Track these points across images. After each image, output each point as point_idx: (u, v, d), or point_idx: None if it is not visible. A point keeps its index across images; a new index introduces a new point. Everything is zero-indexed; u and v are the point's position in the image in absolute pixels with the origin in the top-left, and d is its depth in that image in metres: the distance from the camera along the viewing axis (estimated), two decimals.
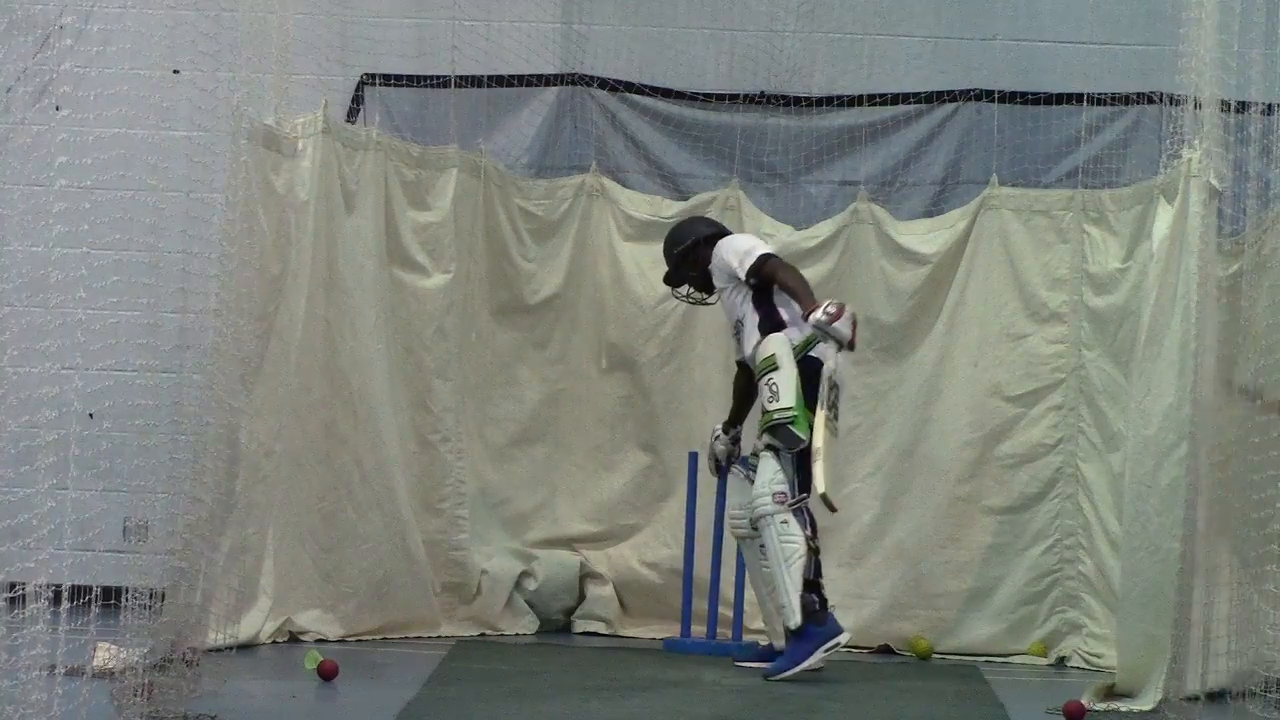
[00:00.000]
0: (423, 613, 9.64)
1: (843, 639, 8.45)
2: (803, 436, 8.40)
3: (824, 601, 8.51)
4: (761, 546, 8.54)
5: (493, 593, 9.94)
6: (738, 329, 8.86)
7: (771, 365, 8.51)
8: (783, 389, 8.45)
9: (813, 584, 8.46)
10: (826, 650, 8.37)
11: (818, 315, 8.47)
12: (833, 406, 8.45)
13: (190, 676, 6.88)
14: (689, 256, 9.09)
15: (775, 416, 8.44)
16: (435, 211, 9.89)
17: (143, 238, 6.98)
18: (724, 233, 9.20)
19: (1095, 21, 10.24)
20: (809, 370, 8.48)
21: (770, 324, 8.67)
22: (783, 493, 8.40)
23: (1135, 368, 8.16)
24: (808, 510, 8.54)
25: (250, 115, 7.91)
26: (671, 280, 9.28)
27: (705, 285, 9.09)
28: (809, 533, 8.46)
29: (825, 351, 8.46)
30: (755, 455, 8.69)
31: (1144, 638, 7.57)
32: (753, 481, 8.61)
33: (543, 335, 10.31)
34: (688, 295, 9.26)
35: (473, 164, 10.06)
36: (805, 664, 8.33)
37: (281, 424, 8.84)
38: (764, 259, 8.77)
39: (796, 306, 8.66)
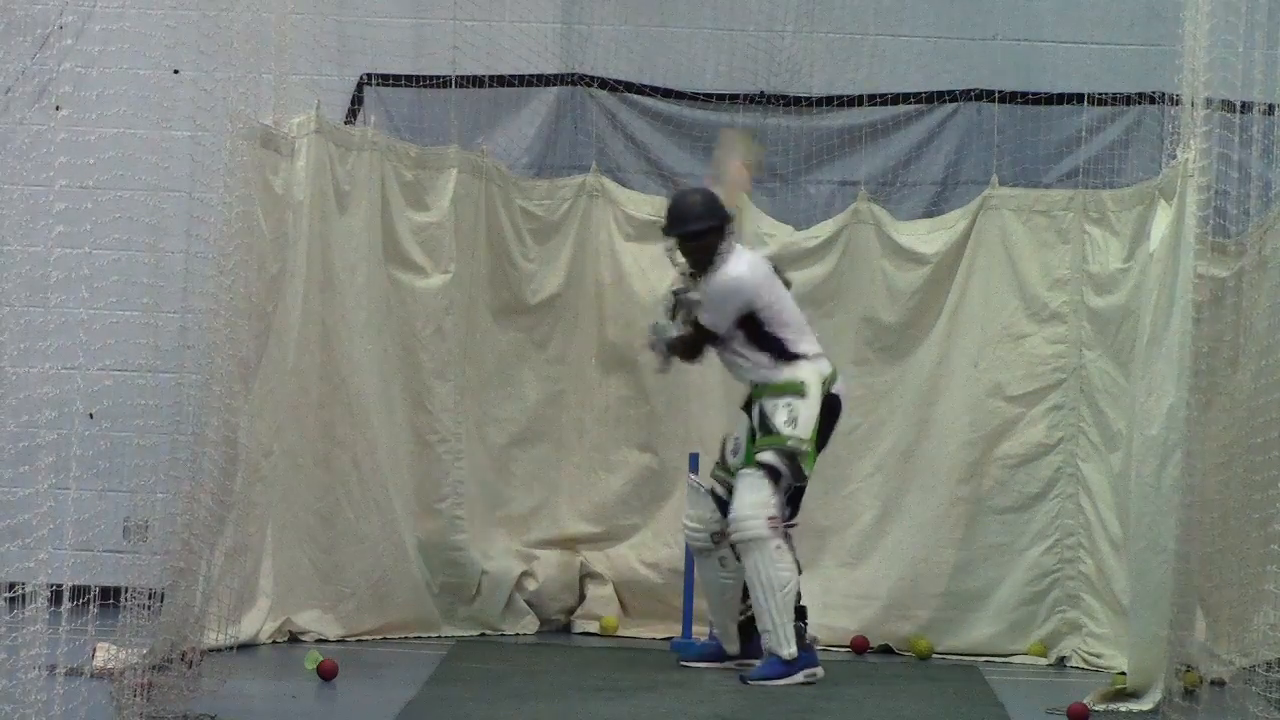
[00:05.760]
0: (422, 613, 9.64)
1: (819, 672, 8.35)
2: (808, 473, 8.39)
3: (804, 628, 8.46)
4: (721, 559, 8.52)
5: (493, 593, 9.93)
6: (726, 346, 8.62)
7: (798, 392, 8.42)
8: (803, 419, 8.37)
9: (799, 610, 8.40)
10: (805, 680, 8.30)
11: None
12: None
13: (190, 676, 6.88)
14: (708, 234, 8.57)
15: (790, 444, 8.36)
16: (434, 212, 9.88)
17: (143, 238, 6.98)
18: (727, 223, 8.69)
19: (1095, 21, 10.24)
20: (825, 408, 8.45)
21: (782, 355, 8.50)
22: (775, 517, 8.32)
23: (1137, 368, 8.16)
24: (789, 535, 8.45)
25: (248, 115, 7.91)
26: (671, 236, 8.66)
27: (703, 266, 8.59)
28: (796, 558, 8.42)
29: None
30: (725, 469, 8.59)
31: (1152, 639, 7.56)
32: (707, 492, 8.57)
33: (543, 335, 10.29)
34: (684, 272, 8.69)
35: (473, 164, 10.05)
36: (782, 683, 8.27)
37: (280, 424, 8.85)
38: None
39: (810, 341, 8.56)
